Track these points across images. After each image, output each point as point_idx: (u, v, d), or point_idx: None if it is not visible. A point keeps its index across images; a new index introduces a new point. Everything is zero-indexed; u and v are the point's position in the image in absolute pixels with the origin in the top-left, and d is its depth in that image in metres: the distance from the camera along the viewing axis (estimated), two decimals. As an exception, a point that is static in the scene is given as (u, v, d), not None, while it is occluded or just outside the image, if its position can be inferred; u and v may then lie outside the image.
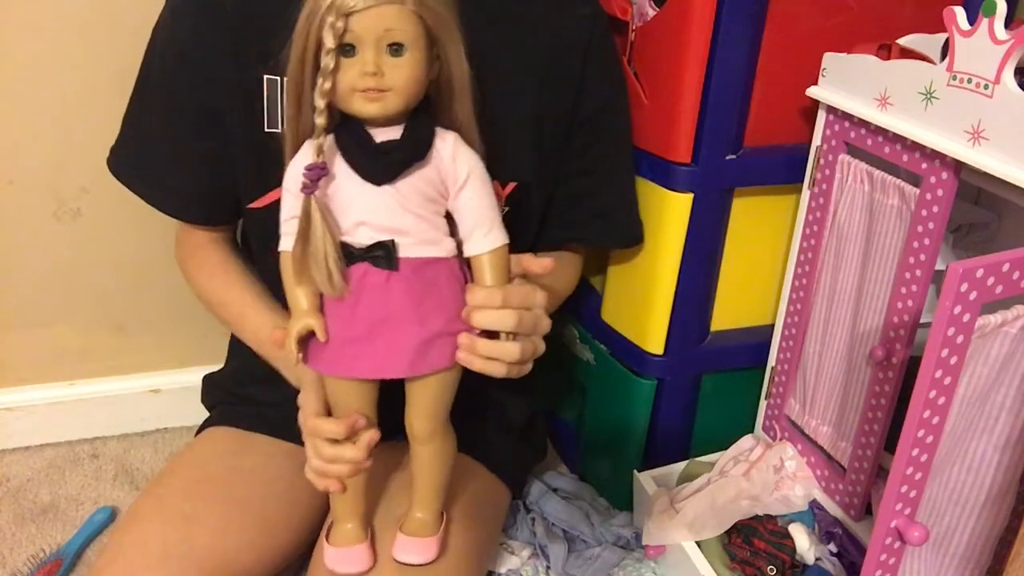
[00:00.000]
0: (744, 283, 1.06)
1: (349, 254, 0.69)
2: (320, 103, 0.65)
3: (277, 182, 0.84)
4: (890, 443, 0.88)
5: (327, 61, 0.64)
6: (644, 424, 1.10)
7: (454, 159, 0.70)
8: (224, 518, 0.87)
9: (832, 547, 0.98)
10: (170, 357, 1.32)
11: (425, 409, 0.75)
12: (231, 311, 0.91)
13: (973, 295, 0.64)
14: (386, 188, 0.68)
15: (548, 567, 1.05)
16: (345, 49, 0.64)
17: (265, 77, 0.83)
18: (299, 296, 0.70)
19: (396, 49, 0.65)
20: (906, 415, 0.70)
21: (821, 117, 0.94)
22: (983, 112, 0.74)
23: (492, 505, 0.99)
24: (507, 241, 0.73)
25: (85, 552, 1.10)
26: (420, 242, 0.70)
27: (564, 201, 0.96)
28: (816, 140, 0.95)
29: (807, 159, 0.97)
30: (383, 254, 0.69)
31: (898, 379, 0.88)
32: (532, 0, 0.90)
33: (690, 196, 0.96)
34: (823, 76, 0.91)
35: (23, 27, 1.08)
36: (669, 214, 0.97)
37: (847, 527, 0.98)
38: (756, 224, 1.03)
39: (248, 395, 1.01)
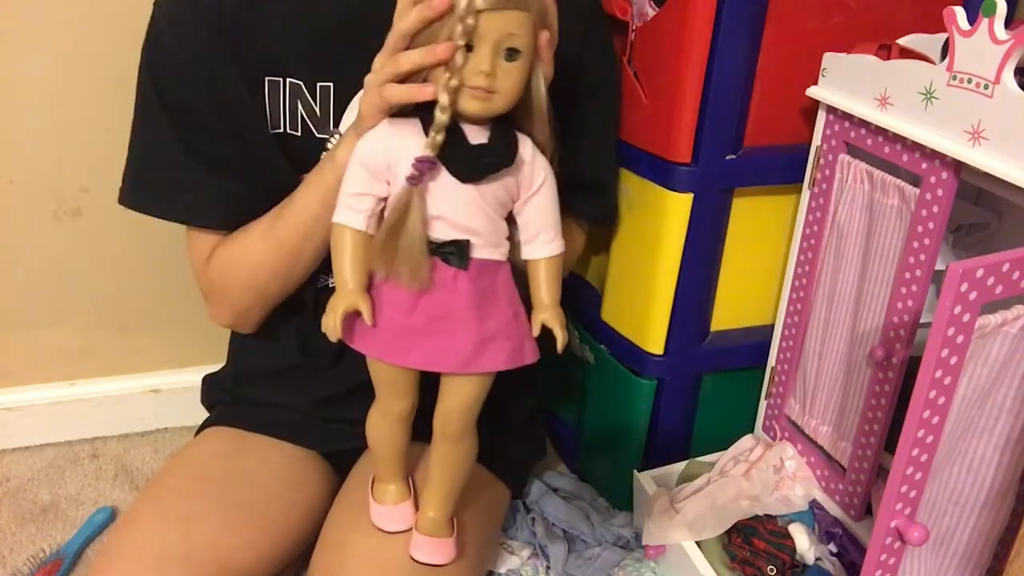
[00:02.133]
0: (744, 283, 1.06)
1: (432, 242, 0.70)
2: (444, 99, 0.65)
3: (281, 178, 0.85)
4: (890, 443, 0.88)
5: (456, 57, 0.64)
6: (644, 424, 1.10)
7: (533, 163, 0.72)
8: (223, 518, 0.87)
9: (832, 547, 0.98)
10: (170, 357, 1.32)
11: (463, 406, 0.77)
12: (280, 241, 0.85)
13: (973, 295, 0.64)
14: (469, 187, 0.69)
15: (548, 567, 1.05)
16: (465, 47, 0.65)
17: (267, 79, 0.84)
18: (348, 274, 0.71)
19: (512, 54, 0.66)
20: (906, 415, 0.70)
21: (821, 117, 0.94)
22: (983, 112, 0.74)
23: (492, 504, 0.99)
24: (564, 248, 0.75)
25: (85, 552, 1.10)
26: (487, 244, 0.72)
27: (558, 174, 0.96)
28: (816, 140, 0.95)
29: (807, 159, 0.97)
30: (456, 252, 0.70)
31: (898, 379, 0.88)
32: None
33: (690, 196, 0.96)
34: (823, 76, 0.91)
35: (23, 27, 1.08)
36: (669, 214, 0.97)
37: (847, 527, 0.98)
38: (756, 224, 1.02)
39: (247, 395, 1.01)
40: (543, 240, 0.74)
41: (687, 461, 1.10)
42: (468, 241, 0.70)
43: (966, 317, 0.66)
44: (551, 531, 1.10)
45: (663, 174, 0.96)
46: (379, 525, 0.84)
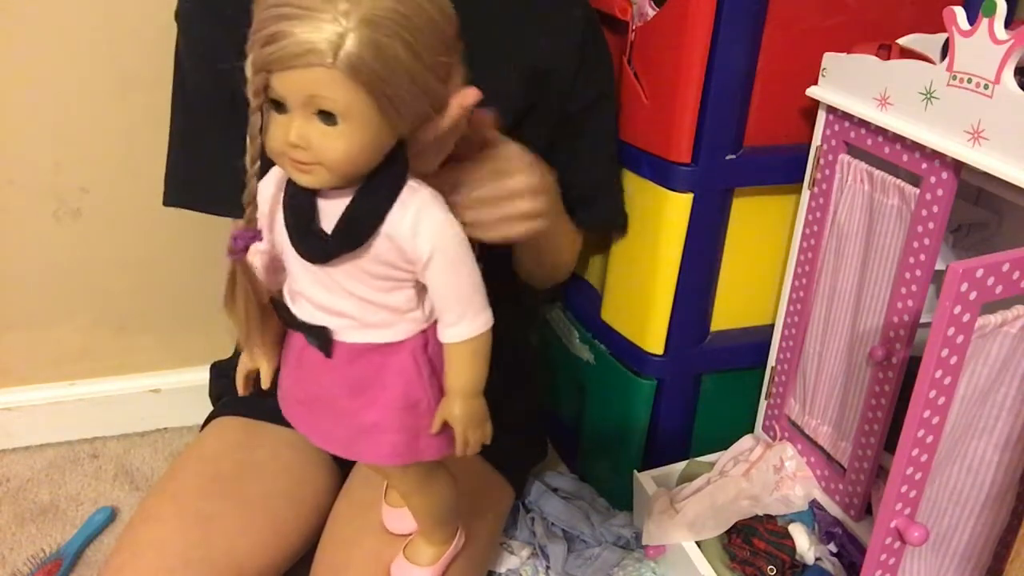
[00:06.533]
0: (744, 283, 1.06)
1: (291, 318, 0.64)
2: (249, 166, 0.56)
3: None
4: (890, 443, 0.88)
5: (253, 119, 0.54)
6: (644, 424, 1.10)
7: (414, 235, 0.58)
8: (239, 520, 0.87)
9: (832, 547, 0.98)
10: (171, 357, 1.32)
11: (391, 479, 0.75)
12: None
13: (973, 295, 0.64)
14: (324, 267, 0.60)
15: (548, 567, 1.05)
16: (276, 104, 0.54)
17: None
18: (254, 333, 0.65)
19: (327, 117, 0.53)
20: (906, 415, 0.70)
21: (821, 117, 0.94)
22: (983, 112, 0.74)
23: (494, 502, 1.00)
24: (483, 330, 0.62)
25: (85, 552, 1.10)
26: (362, 326, 0.62)
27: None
28: (816, 140, 0.95)
29: (807, 159, 0.97)
30: (316, 339, 0.63)
31: (898, 379, 0.88)
32: (525, 1, 0.91)
33: (690, 196, 0.96)
34: (823, 76, 0.91)
35: (24, 27, 1.08)
36: (669, 214, 0.97)
37: (847, 527, 0.98)
38: (756, 224, 1.03)
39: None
40: (447, 322, 0.62)
41: (687, 461, 1.10)
42: (327, 330, 0.62)
43: (966, 317, 0.66)
44: (551, 531, 1.10)
45: (663, 174, 0.96)
46: (388, 526, 0.85)
